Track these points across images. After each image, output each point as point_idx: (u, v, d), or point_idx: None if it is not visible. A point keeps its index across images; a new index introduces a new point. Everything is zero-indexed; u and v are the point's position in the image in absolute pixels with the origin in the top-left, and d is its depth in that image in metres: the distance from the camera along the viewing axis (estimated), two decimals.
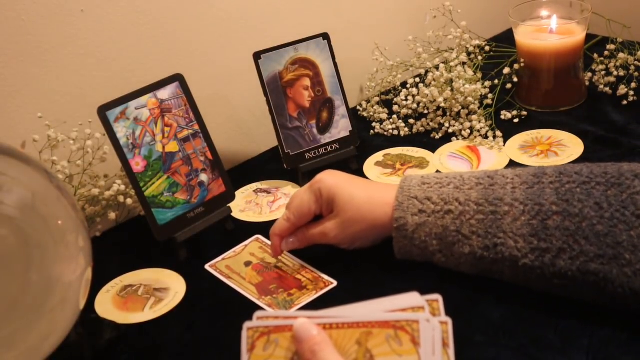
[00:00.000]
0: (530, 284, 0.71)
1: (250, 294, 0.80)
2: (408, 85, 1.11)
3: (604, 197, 0.68)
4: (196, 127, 0.87)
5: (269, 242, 0.87)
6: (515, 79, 1.10)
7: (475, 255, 0.72)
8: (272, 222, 0.91)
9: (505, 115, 1.06)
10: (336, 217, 0.79)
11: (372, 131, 1.09)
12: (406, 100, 1.10)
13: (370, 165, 1.01)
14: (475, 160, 0.99)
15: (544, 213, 0.69)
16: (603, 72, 1.11)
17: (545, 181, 0.72)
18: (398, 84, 1.14)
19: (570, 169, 0.72)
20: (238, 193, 0.97)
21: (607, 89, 1.10)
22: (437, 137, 1.05)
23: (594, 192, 0.69)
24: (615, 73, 1.11)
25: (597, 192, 0.69)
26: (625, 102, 1.07)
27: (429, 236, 0.74)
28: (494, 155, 0.99)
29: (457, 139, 1.04)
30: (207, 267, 0.85)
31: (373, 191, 0.79)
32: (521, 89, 1.11)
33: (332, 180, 0.79)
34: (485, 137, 1.03)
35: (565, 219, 0.68)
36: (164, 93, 0.86)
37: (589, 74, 1.13)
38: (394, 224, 0.76)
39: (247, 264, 0.85)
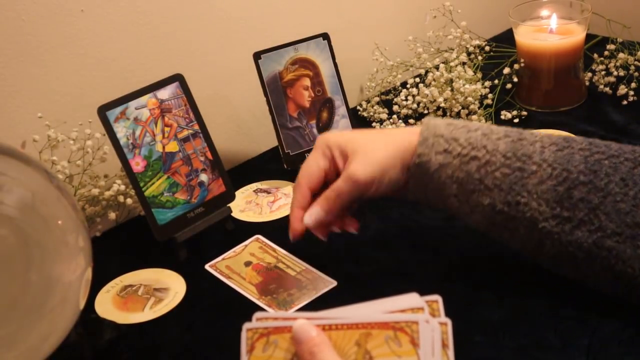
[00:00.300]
0: (541, 249, 0.70)
1: (250, 294, 0.80)
2: (408, 85, 1.11)
3: (630, 174, 0.68)
4: (196, 127, 0.88)
5: (269, 242, 0.87)
6: (515, 79, 1.10)
7: (495, 208, 0.71)
8: (272, 222, 0.92)
9: (505, 115, 1.06)
10: (356, 153, 0.74)
11: None
12: (406, 100, 1.10)
13: None
14: None
15: (571, 181, 0.68)
16: (603, 72, 1.11)
17: (575, 147, 0.70)
18: (398, 84, 1.14)
19: (600, 141, 0.71)
20: (238, 193, 0.97)
21: (607, 89, 1.10)
22: None
23: (621, 167, 0.68)
24: (615, 73, 1.11)
25: (625, 167, 0.68)
26: (625, 102, 1.07)
27: (450, 179, 0.72)
28: None
29: None
30: (207, 267, 0.85)
31: (387, 130, 0.76)
32: (521, 89, 1.11)
33: (336, 133, 0.76)
34: None
35: (590, 191, 0.68)
36: (164, 93, 0.86)
37: (589, 74, 1.13)
38: (415, 160, 0.72)
39: (247, 264, 0.85)
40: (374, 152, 0.73)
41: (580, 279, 0.71)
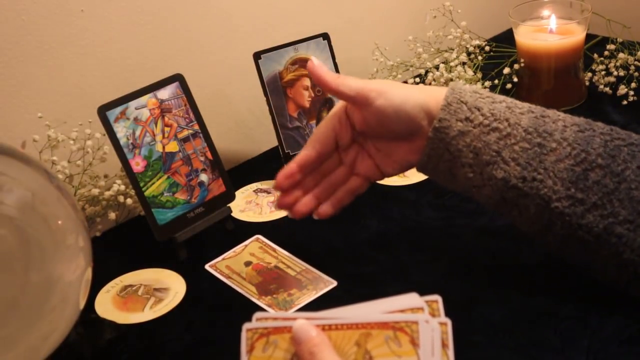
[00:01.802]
0: (550, 230, 0.70)
1: (250, 294, 0.80)
2: None
3: None
4: (196, 127, 0.88)
5: (269, 242, 0.87)
6: (515, 79, 1.10)
7: (508, 183, 0.70)
8: (272, 222, 0.92)
9: None
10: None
11: None
12: None
13: None
14: None
15: (589, 162, 0.68)
16: (603, 72, 1.11)
17: (597, 130, 0.71)
18: None
19: (620, 129, 0.71)
20: (238, 193, 0.97)
21: (607, 89, 1.10)
22: None
23: (639, 155, 0.69)
24: (615, 73, 1.11)
25: None
26: (625, 102, 1.07)
27: (467, 147, 0.71)
28: None
29: None
30: (207, 267, 0.85)
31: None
32: (521, 89, 1.11)
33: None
34: None
35: (607, 175, 0.68)
36: (164, 93, 0.86)
37: (589, 74, 1.13)
38: (435, 124, 0.72)
39: (247, 264, 0.85)
40: (398, 84, 0.75)
41: (583, 264, 0.71)
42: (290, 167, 0.77)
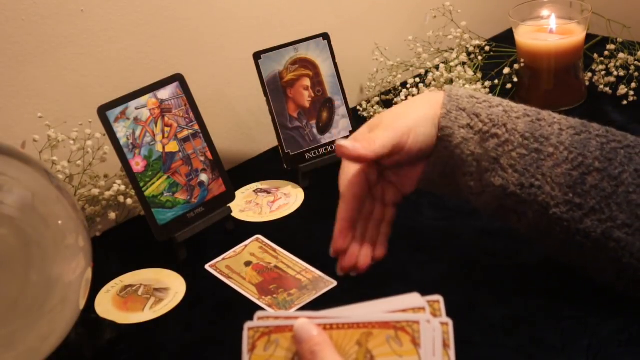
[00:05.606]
0: (549, 235, 0.70)
1: (250, 294, 0.80)
2: (408, 85, 1.11)
3: None
4: (196, 127, 0.87)
5: (269, 242, 0.87)
6: (515, 79, 1.10)
7: (506, 190, 0.70)
8: (272, 222, 0.92)
9: None
10: (387, 116, 0.72)
11: None
12: (406, 100, 1.10)
13: None
14: None
15: (586, 167, 0.68)
16: (603, 72, 1.11)
17: (592, 132, 0.70)
18: (398, 84, 1.14)
19: (616, 130, 0.71)
20: (238, 193, 0.97)
21: (607, 89, 1.10)
22: None
23: (636, 158, 0.68)
24: (615, 73, 1.11)
25: (639, 158, 0.68)
26: (625, 102, 1.07)
27: (471, 155, 0.71)
28: None
29: None
30: (207, 267, 0.85)
31: (411, 99, 0.76)
32: (521, 89, 1.11)
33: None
34: None
35: (604, 178, 0.67)
36: (164, 93, 0.86)
37: (589, 74, 1.13)
38: (438, 133, 0.71)
39: (247, 264, 0.85)
40: (407, 111, 0.72)
41: (584, 267, 0.71)
42: (340, 225, 0.73)
